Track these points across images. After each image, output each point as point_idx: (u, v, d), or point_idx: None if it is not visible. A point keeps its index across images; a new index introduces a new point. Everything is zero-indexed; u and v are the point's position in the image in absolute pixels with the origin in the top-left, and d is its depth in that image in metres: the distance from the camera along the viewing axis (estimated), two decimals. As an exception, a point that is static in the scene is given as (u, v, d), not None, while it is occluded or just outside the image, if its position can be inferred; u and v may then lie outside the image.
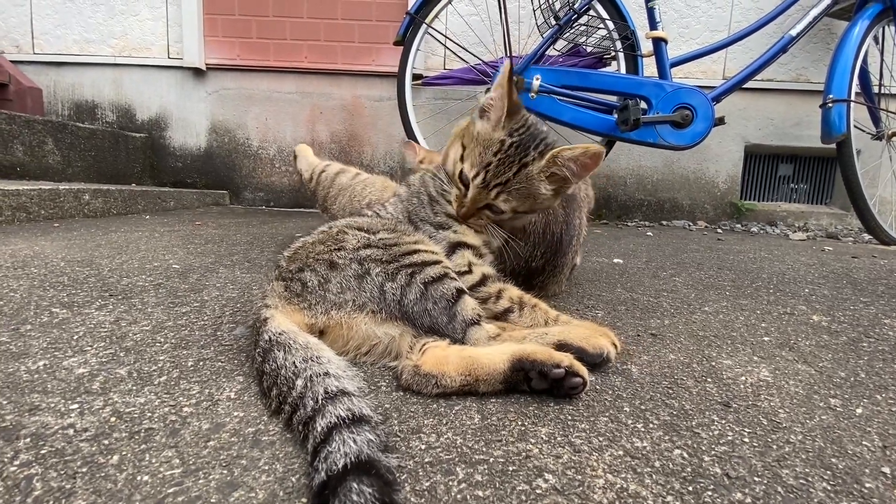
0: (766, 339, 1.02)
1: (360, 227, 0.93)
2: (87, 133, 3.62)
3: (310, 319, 0.78)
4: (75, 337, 0.86)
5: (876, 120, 3.24)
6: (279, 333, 0.69)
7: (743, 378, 0.80)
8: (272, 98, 4.20)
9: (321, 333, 0.78)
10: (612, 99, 3.11)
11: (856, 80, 2.95)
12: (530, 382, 0.68)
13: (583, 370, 0.68)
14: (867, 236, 3.35)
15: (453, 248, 0.97)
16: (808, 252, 2.40)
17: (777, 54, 3.03)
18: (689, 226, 3.86)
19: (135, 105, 4.24)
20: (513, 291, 0.94)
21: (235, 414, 0.63)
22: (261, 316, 0.76)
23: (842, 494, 0.51)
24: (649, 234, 3.15)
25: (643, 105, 2.93)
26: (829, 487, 0.52)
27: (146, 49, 4.13)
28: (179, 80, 4.19)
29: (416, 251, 0.86)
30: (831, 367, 0.87)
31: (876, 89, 3.24)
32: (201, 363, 0.78)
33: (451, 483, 0.50)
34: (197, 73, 4.14)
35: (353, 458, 0.48)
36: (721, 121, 3.01)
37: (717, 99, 3.04)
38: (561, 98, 3.06)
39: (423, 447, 0.56)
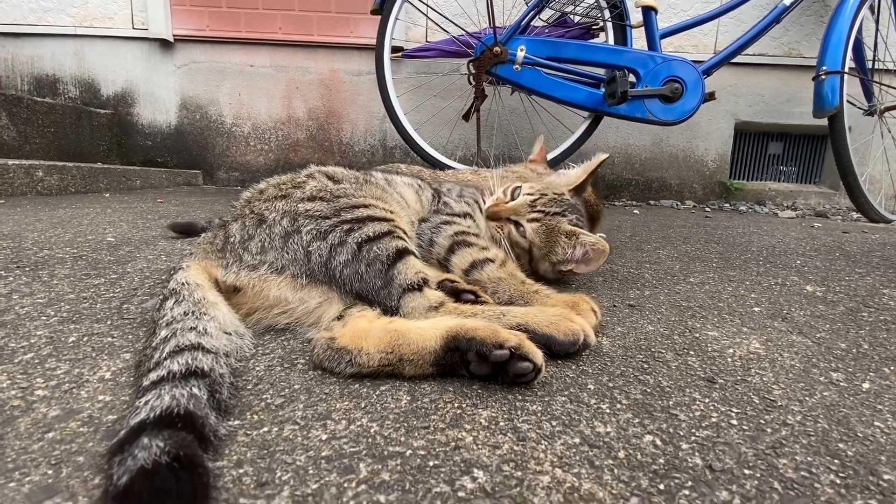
0: (756, 309, 0.91)
1: (332, 176, 0.89)
2: (46, 108, 3.40)
3: (222, 276, 0.71)
4: (-54, 310, 0.72)
5: (868, 94, 3.13)
6: (181, 284, 0.65)
7: (730, 350, 0.68)
8: (245, 72, 3.99)
9: (235, 290, 0.70)
10: (600, 72, 2.97)
11: (850, 53, 2.83)
12: (468, 366, 0.54)
13: (535, 353, 0.54)
14: (856, 214, 3.27)
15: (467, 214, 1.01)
16: (798, 228, 2.31)
17: (770, 25, 2.89)
18: (677, 205, 3.76)
19: (99, 79, 4.00)
20: (502, 253, 0.85)
21: (100, 399, 0.50)
22: (177, 265, 0.72)
23: (854, 490, 0.39)
24: (636, 212, 3.05)
25: (632, 78, 2.79)
26: (837, 481, 0.40)
27: (108, 19, 3.88)
28: (146, 52, 3.95)
29: (366, 205, 0.75)
30: (830, 338, 0.76)
31: (870, 63, 3.13)
32: (86, 339, 0.64)
33: (346, 485, 0.38)
34: (164, 44, 3.91)
35: (157, 413, 0.40)
36: (711, 96, 2.89)
37: (708, 72, 2.91)
38: (546, 70, 2.91)
39: (324, 437, 0.44)
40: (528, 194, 1.05)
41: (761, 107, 3.88)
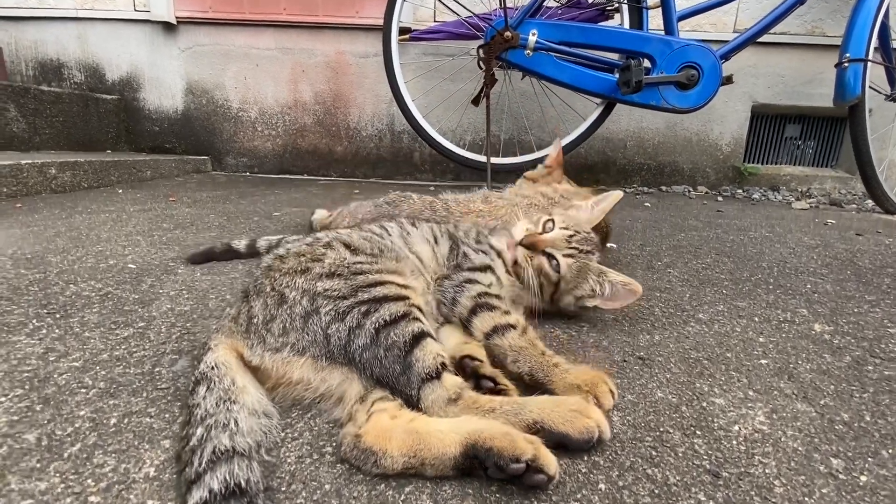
0: (763, 361, 0.93)
1: (349, 244, 0.89)
2: (53, 97, 3.38)
3: (248, 356, 0.75)
4: (-8, 380, 0.77)
5: (892, 80, 3.02)
6: (211, 367, 0.68)
7: (736, 428, 0.71)
8: (250, 55, 3.91)
9: (258, 368, 0.74)
10: (614, 57, 2.88)
11: (875, 39, 2.71)
12: (486, 471, 0.58)
13: (550, 464, 0.57)
14: (871, 203, 3.22)
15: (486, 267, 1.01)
16: (811, 228, 2.29)
17: (794, 5, 2.76)
18: (689, 191, 3.71)
19: (103, 63, 3.95)
20: (522, 319, 0.88)
21: (149, 504, 0.55)
22: (208, 343, 0.75)
23: None
24: (647, 204, 3.02)
25: (647, 63, 2.70)
26: None
27: (110, 0, 3.78)
28: (149, 35, 3.88)
29: (382, 282, 0.77)
30: (834, 405, 0.79)
31: (895, 46, 2.99)
32: (126, 420, 0.69)
33: None
34: (167, 27, 3.82)
35: None
36: (729, 80, 2.80)
37: (727, 56, 2.81)
38: (559, 56, 2.81)
39: (357, 560, 0.48)
40: (564, 229, 1.07)
41: (780, 88, 3.75)
